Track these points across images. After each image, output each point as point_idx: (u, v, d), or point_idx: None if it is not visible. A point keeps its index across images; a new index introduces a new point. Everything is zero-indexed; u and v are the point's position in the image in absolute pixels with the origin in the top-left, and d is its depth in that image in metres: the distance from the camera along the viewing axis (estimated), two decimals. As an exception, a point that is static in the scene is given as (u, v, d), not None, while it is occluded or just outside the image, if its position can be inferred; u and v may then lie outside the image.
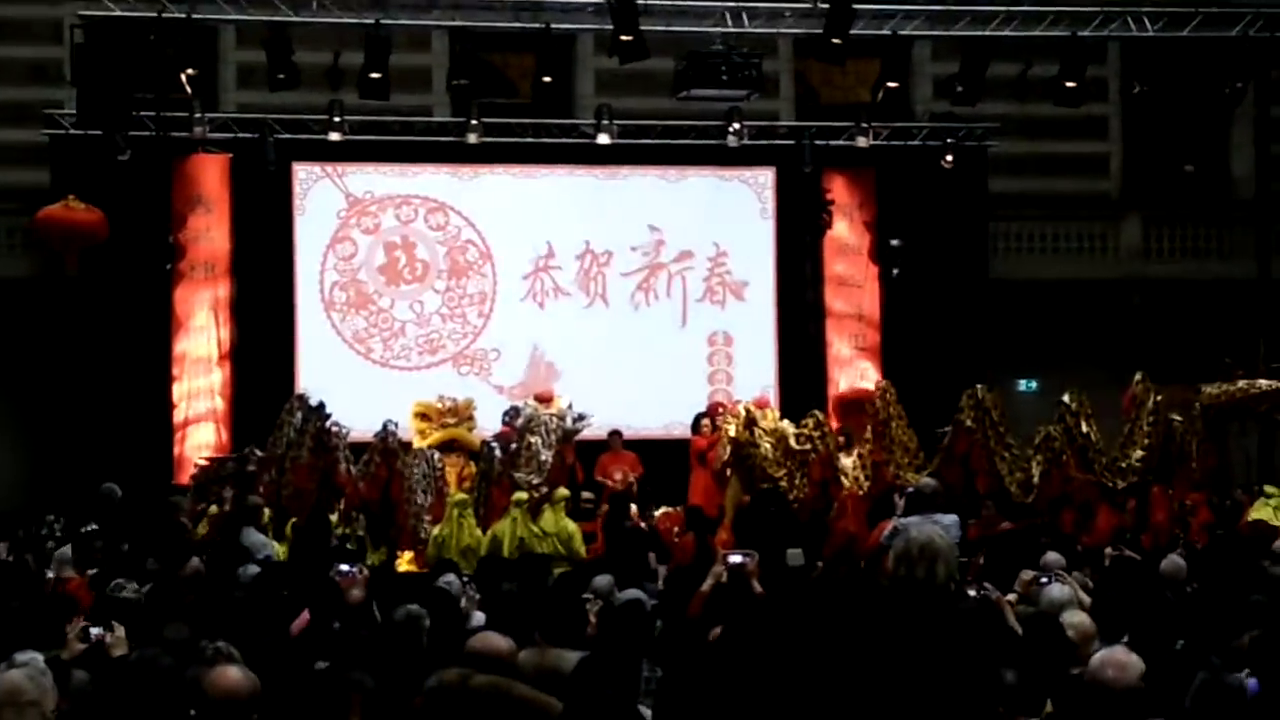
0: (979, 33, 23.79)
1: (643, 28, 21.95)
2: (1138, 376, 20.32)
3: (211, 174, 25.37)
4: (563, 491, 19.51)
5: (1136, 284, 27.95)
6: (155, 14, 21.98)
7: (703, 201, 26.48)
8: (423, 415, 22.36)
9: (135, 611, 10.77)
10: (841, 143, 25.98)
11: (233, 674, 6.95)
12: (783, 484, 19.87)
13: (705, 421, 22.45)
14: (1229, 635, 9.24)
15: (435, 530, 19.07)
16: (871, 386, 21.79)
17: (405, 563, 19.43)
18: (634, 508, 20.84)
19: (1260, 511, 19.13)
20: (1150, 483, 19.85)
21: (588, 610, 10.60)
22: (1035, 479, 19.63)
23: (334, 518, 18.86)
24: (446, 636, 9.24)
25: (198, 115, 23.87)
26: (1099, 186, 28.81)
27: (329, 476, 19.49)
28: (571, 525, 19.32)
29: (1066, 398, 20.02)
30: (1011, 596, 10.61)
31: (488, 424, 22.64)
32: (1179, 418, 20.24)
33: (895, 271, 26.35)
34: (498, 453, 19.93)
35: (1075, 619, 9.26)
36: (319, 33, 23.71)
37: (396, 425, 20.25)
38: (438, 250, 25.96)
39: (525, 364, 25.82)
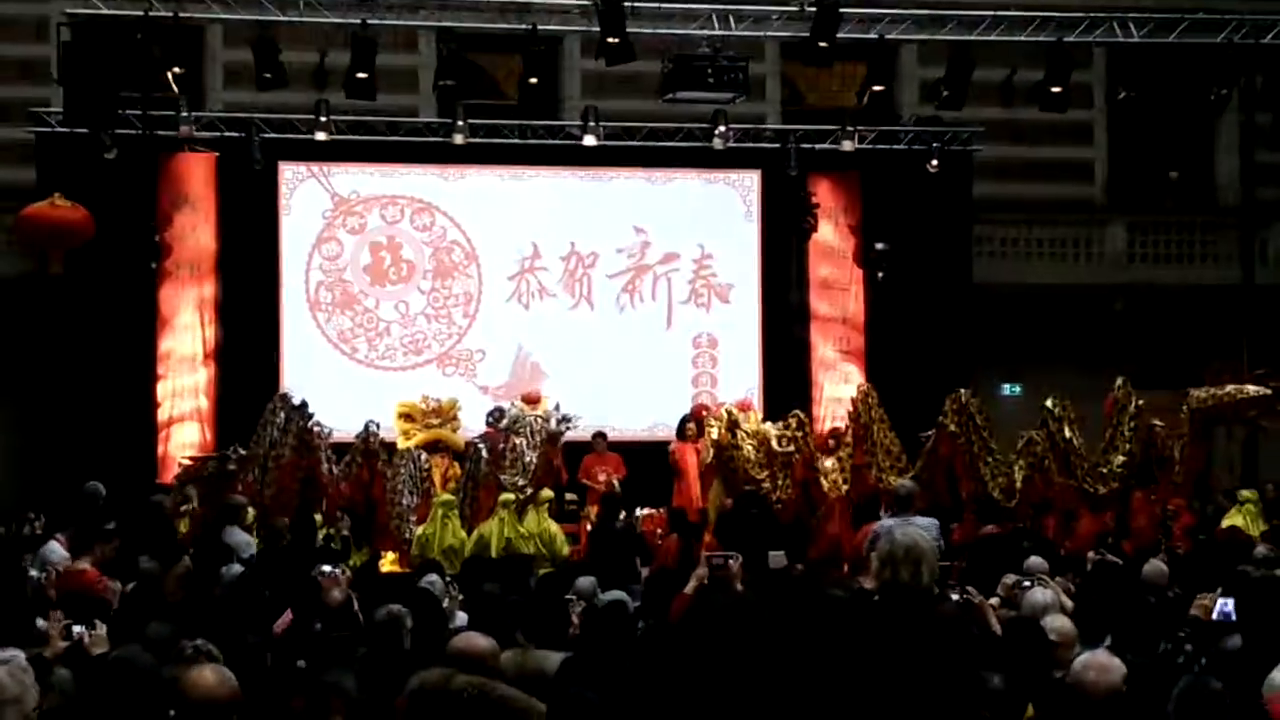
0: (965, 37, 23.83)
1: (629, 30, 21.96)
2: (1119, 382, 20.36)
3: (197, 173, 25.35)
4: (547, 493, 19.54)
5: (1120, 289, 27.99)
6: (142, 13, 21.95)
7: (688, 204, 26.50)
8: (407, 416, 22.37)
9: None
10: (827, 146, 25.98)
11: (210, 675, 6.94)
12: (765, 486, 19.90)
13: (690, 425, 22.46)
14: (1212, 640, 9.28)
15: (419, 530, 19.08)
16: (855, 390, 21.78)
17: (389, 563, 19.43)
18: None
19: (1234, 518, 19.18)
20: (1132, 488, 19.90)
21: (570, 611, 10.62)
22: (1018, 483, 19.67)
23: (318, 518, 18.86)
24: (429, 637, 9.24)
25: (184, 114, 23.82)
26: (1084, 191, 28.85)
27: (311, 477, 19.50)
28: (554, 526, 19.35)
29: (1049, 403, 20.07)
30: (994, 601, 10.63)
31: (472, 424, 22.67)
32: (1160, 423, 20.28)
33: (880, 275, 26.36)
34: (485, 454, 19.94)
35: (1057, 623, 9.29)
36: (306, 33, 23.71)
37: (378, 426, 20.25)
38: (423, 250, 25.96)
39: (510, 365, 25.83)
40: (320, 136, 24.25)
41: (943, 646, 6.80)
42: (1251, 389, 20.45)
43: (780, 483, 20.04)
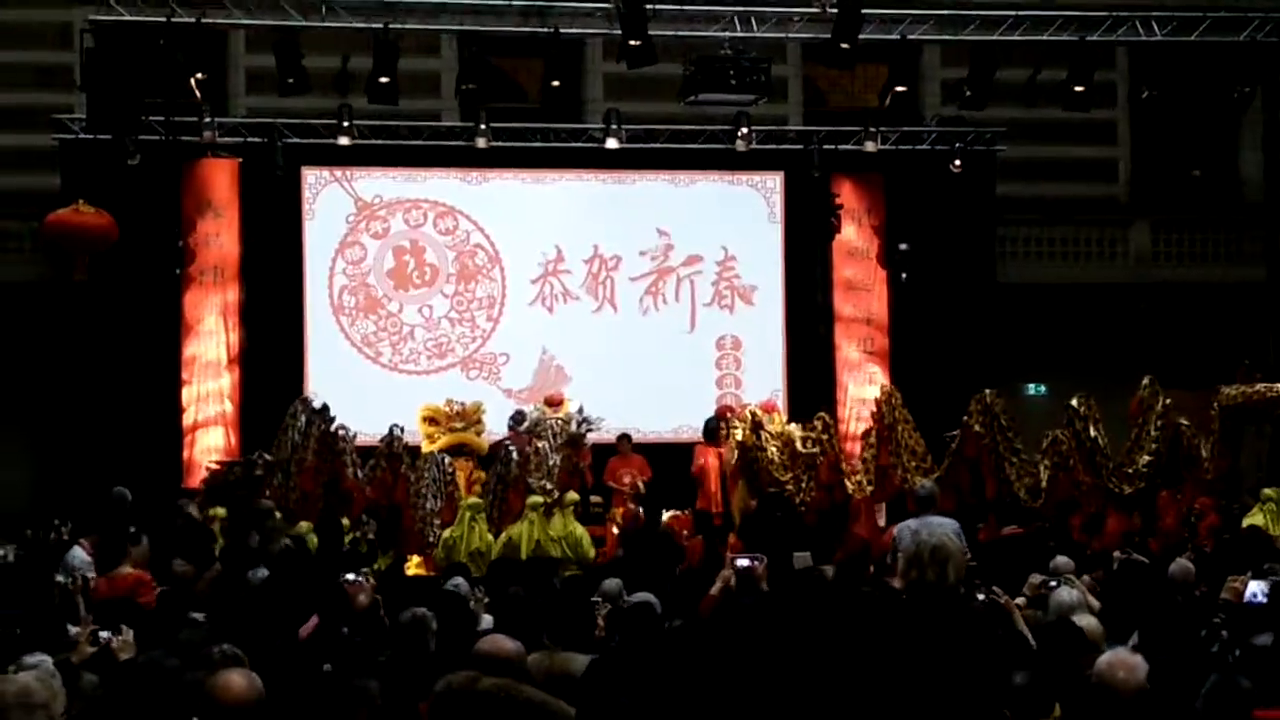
0: (987, 37, 23.78)
1: (651, 33, 21.94)
2: (1145, 381, 20.30)
3: (221, 178, 25.40)
4: (572, 495, 19.57)
5: (1145, 288, 27.92)
6: (165, 19, 21.99)
7: (711, 206, 26.49)
8: (431, 419, 22.37)
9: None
10: (850, 147, 25.97)
11: (238, 679, 6.96)
12: (790, 487, 19.89)
13: (722, 427, 22.41)
14: (1239, 638, 9.25)
15: (445, 533, 19.11)
16: (879, 391, 21.78)
17: (414, 566, 19.47)
18: (641, 511, 20.90)
19: (1255, 517, 19.10)
20: (1158, 487, 19.84)
21: (596, 613, 10.62)
22: (1043, 483, 19.63)
23: (345, 521, 18.87)
24: (456, 639, 9.24)
25: (207, 120, 23.89)
26: (1107, 191, 28.79)
27: (336, 480, 19.53)
28: (580, 529, 19.38)
29: (1075, 402, 20.01)
30: (1020, 600, 10.61)
31: (497, 428, 22.66)
32: (1186, 422, 20.22)
33: (904, 276, 26.32)
34: (515, 456, 19.96)
35: (1084, 622, 9.26)
36: (328, 37, 23.72)
37: (402, 430, 20.30)
38: (446, 254, 25.98)
39: (534, 368, 25.84)
40: (343, 141, 24.29)
41: (967, 645, 6.79)
42: (1283, 388, 20.39)
43: (805, 484, 20.03)
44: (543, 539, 18.76)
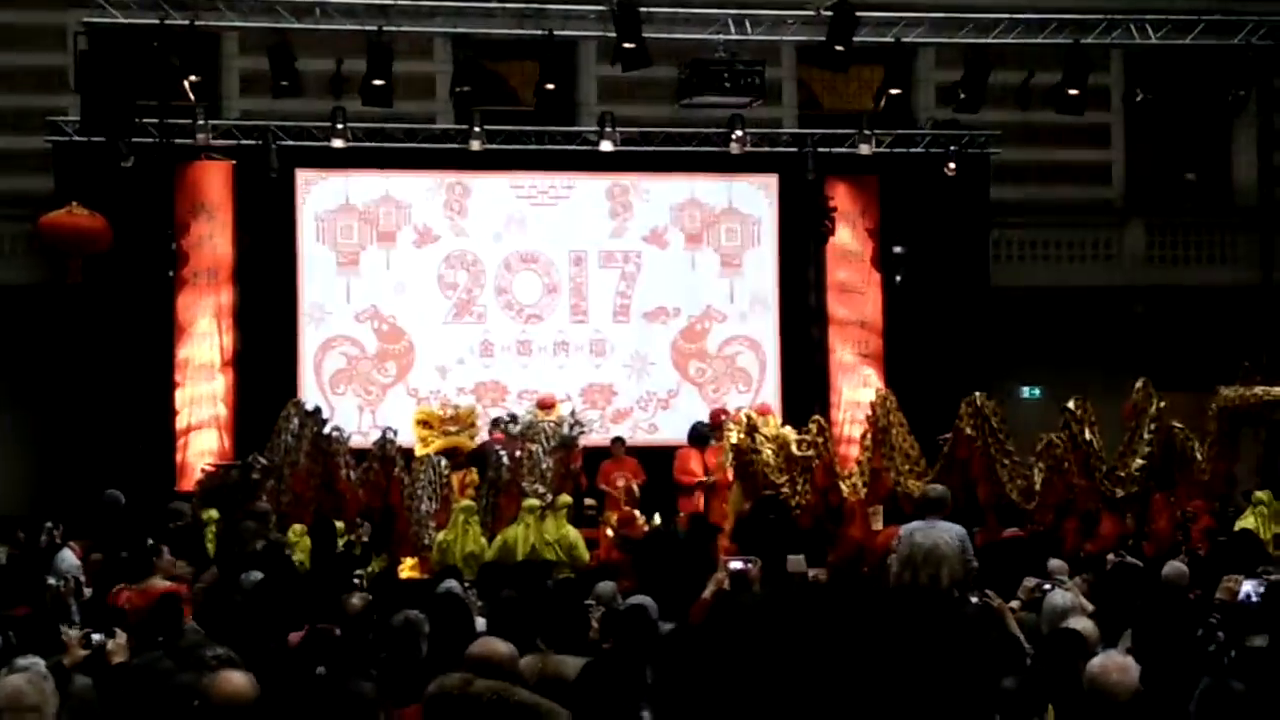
0: (982, 40, 23.82)
1: (645, 35, 21.96)
2: (1139, 384, 20.31)
3: (214, 181, 25.36)
4: (565, 499, 19.55)
5: (1139, 291, 27.90)
6: (158, 21, 21.99)
7: (705, 208, 26.45)
8: (424, 422, 22.34)
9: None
10: (844, 150, 25.95)
11: (237, 679, 6.95)
12: (785, 491, 19.88)
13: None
14: (1241, 627, 9.27)
15: (439, 536, 19.10)
16: (874, 394, 21.79)
17: (408, 569, 19.45)
18: (638, 514, 20.89)
19: (1247, 520, 19.11)
20: (1152, 490, 19.85)
21: (590, 616, 10.61)
22: (1037, 486, 19.63)
23: (339, 524, 18.86)
24: (455, 642, 9.23)
25: (201, 122, 23.85)
26: (1101, 194, 28.79)
27: (329, 483, 19.53)
28: (573, 532, 19.37)
29: (1071, 404, 20.02)
30: (1014, 603, 10.62)
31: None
32: (1180, 425, 20.23)
33: (898, 278, 26.32)
34: (505, 460, 19.95)
35: (1078, 625, 9.27)
36: (322, 40, 23.73)
37: (395, 433, 20.28)
38: (439, 257, 25.90)
39: (526, 368, 25.80)
40: (337, 143, 24.26)
41: (956, 649, 6.77)
42: (1280, 391, 20.41)
43: (800, 487, 20.03)
44: (538, 542, 18.75)
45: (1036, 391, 27.24)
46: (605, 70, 25.43)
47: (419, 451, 21.15)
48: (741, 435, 20.44)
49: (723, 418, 22.51)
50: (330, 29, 23.13)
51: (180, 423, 24.90)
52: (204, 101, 23.88)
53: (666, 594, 12.48)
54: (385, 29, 22.72)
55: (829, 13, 22.46)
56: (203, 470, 21.47)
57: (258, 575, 13.20)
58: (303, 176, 25.48)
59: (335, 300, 25.46)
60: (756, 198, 26.52)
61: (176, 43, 22.28)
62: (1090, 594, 11.70)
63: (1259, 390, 20.31)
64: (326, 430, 20.00)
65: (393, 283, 25.66)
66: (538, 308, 25.96)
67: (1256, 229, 27.74)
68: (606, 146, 24.82)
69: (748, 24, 23.43)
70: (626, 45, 21.87)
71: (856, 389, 26.31)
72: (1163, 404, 20.18)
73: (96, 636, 9.47)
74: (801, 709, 2.60)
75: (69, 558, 15.54)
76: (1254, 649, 8.94)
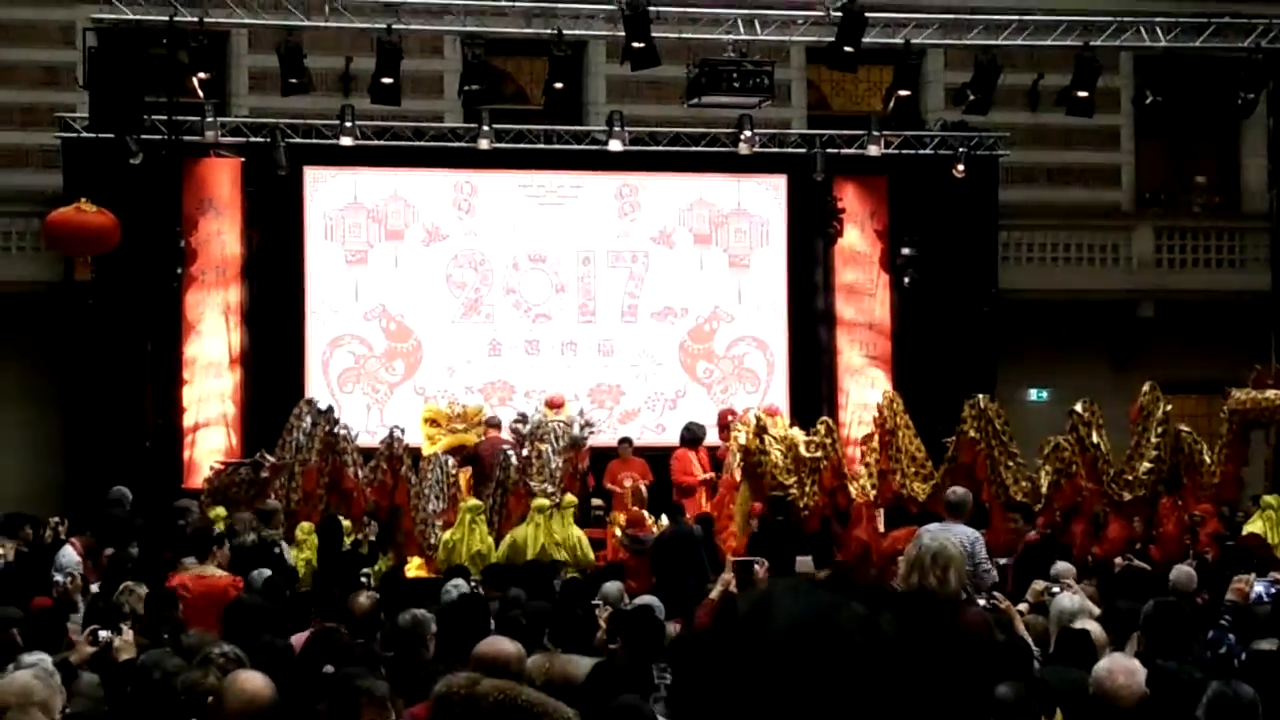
0: (991, 42, 23.80)
1: (654, 35, 21.96)
2: (1146, 387, 20.29)
3: (223, 178, 25.36)
4: (570, 499, 19.55)
5: (1147, 294, 27.88)
6: (167, 18, 22.01)
7: (714, 208, 26.44)
8: (432, 421, 22.34)
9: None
10: (853, 151, 25.93)
11: (256, 680, 6.94)
12: (793, 492, 19.87)
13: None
14: (1252, 628, 9.26)
15: (446, 535, 19.09)
16: (882, 396, 21.78)
17: (415, 568, 19.45)
18: (647, 514, 20.87)
19: (1255, 524, 19.09)
20: (1160, 494, 19.83)
21: (598, 616, 10.61)
22: (1043, 488, 19.61)
23: (346, 523, 18.86)
24: (466, 642, 9.22)
25: (209, 119, 23.87)
26: (1110, 197, 28.74)
27: (336, 481, 19.53)
28: (579, 532, 19.36)
29: (1079, 406, 20.01)
30: (1023, 606, 10.61)
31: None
32: (1187, 429, 20.21)
33: (906, 280, 26.29)
34: (514, 460, 19.95)
35: (1086, 628, 9.26)
36: (331, 38, 23.74)
37: (403, 431, 20.28)
38: (447, 255, 25.90)
39: (534, 367, 25.81)
40: (345, 142, 24.26)
41: (955, 654, 6.74)
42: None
43: (808, 488, 20.02)
44: (547, 542, 18.76)
45: (1044, 394, 27.20)
46: (614, 70, 25.44)
47: (426, 450, 21.15)
48: (750, 436, 20.44)
49: (730, 418, 22.49)
50: (339, 27, 23.14)
51: (188, 420, 24.89)
52: (213, 99, 23.91)
53: (683, 593, 12.50)
54: (394, 27, 22.72)
55: (838, 14, 22.46)
56: (212, 468, 21.46)
57: (266, 573, 13.21)
58: (311, 174, 25.47)
59: (343, 298, 25.45)
60: (765, 198, 26.50)
61: (185, 40, 22.30)
62: (1097, 598, 11.69)
63: (1271, 394, 20.28)
64: (337, 429, 20.00)
65: (401, 281, 25.64)
66: (546, 307, 25.93)
67: (1265, 232, 27.71)
68: (615, 146, 24.82)
69: (757, 24, 23.42)
70: (636, 45, 21.87)
71: (864, 390, 26.29)
72: (1169, 407, 20.16)
73: (103, 633, 9.48)
74: (803, 710, 2.60)
75: (70, 554, 15.55)
76: (1262, 653, 8.93)
